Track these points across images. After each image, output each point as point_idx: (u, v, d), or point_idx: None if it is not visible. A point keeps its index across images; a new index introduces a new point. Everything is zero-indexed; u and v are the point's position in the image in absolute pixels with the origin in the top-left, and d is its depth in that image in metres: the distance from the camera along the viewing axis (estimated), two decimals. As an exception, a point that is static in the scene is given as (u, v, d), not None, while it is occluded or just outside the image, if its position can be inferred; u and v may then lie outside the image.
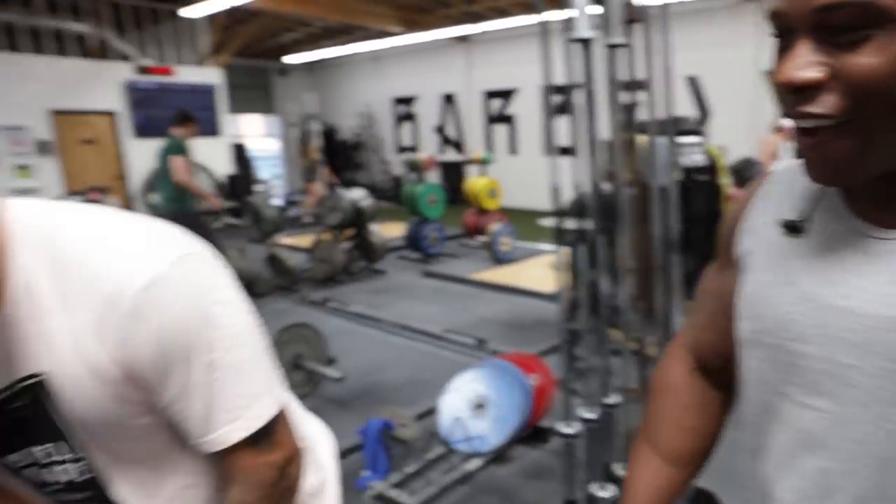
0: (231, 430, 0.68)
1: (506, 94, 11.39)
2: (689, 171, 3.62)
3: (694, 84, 8.54)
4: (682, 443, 0.78)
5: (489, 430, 2.63)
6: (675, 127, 3.80)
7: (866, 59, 0.46)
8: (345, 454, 2.78)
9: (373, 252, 5.90)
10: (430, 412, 2.91)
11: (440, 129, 12.70)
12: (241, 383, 0.68)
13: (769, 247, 0.64)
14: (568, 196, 1.99)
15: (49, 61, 7.94)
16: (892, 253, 0.53)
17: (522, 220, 7.69)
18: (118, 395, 0.64)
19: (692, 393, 0.79)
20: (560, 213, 1.92)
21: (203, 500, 0.77)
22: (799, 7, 0.48)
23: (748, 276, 0.65)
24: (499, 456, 2.73)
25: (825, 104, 0.49)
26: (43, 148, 7.81)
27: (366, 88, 13.82)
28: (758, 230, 0.66)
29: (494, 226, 6.32)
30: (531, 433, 2.79)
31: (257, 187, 9.93)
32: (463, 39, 11.54)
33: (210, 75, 9.78)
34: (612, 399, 2.16)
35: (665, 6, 1.81)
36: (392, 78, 13.28)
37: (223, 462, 0.72)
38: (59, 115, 7.94)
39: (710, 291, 0.77)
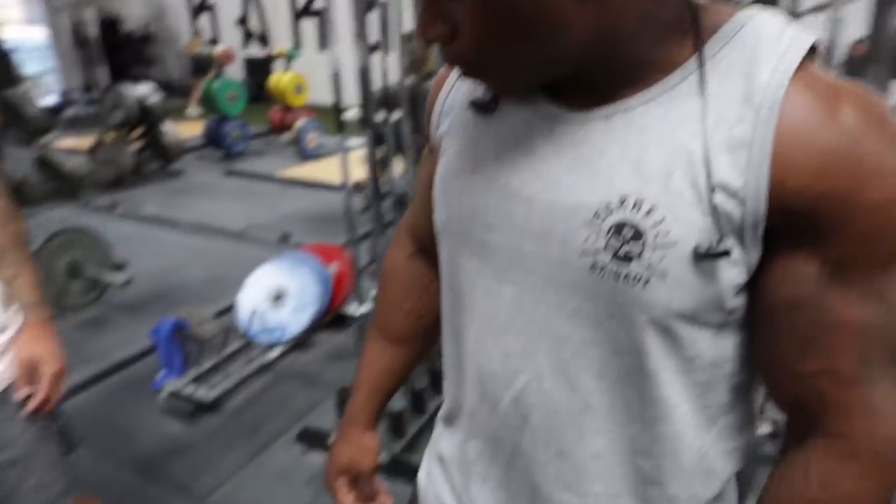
0: None
1: (315, -15, 10.63)
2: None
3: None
4: (401, 325, 0.80)
5: (288, 320, 2.63)
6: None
7: (471, 10, 0.47)
8: (138, 358, 2.65)
9: (167, 152, 5.39)
10: (231, 309, 2.83)
11: (242, 21, 11.64)
12: None
13: (463, 130, 0.61)
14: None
15: None
16: (573, 136, 0.52)
17: (331, 117, 7.34)
18: None
19: (410, 276, 0.79)
20: (366, 105, 1.86)
21: None
22: None
23: (443, 161, 0.63)
24: (300, 343, 2.77)
25: (455, 56, 0.51)
26: None
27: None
28: (454, 111, 0.62)
29: (300, 122, 6.03)
30: (334, 319, 2.85)
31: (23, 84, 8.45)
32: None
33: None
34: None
35: None
36: (185, -40, 11.75)
37: None
38: None
39: (423, 173, 0.74)
